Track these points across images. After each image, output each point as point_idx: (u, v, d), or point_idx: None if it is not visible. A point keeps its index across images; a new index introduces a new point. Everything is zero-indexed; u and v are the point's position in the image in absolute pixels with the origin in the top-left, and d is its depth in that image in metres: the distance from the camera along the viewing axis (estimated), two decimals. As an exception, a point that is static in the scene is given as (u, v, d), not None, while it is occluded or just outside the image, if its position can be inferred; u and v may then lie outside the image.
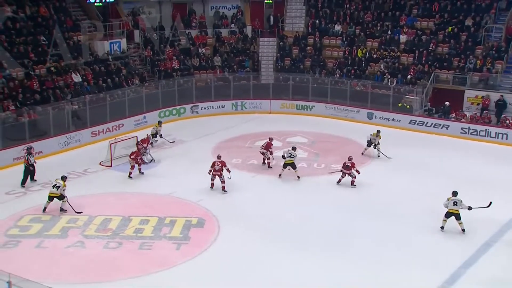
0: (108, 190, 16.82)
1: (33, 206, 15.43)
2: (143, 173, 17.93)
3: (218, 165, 16.57)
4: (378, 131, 19.93)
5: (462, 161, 19.53)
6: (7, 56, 21.41)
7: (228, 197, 16.33)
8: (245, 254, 13.00)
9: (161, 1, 29.53)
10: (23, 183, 16.90)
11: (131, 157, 17.72)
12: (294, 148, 17.86)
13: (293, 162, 17.51)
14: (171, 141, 21.10)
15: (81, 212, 14.96)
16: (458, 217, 13.82)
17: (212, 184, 16.68)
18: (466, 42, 25.66)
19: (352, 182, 17.13)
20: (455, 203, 13.71)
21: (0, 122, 18.87)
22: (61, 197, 14.89)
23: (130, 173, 17.66)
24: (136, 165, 17.76)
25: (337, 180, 17.33)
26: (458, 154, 20.34)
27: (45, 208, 15.04)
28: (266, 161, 18.85)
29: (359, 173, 17.08)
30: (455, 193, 13.91)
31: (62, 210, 14.98)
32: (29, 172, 16.99)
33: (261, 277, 12.08)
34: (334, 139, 22.00)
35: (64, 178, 15.14)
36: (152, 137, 20.45)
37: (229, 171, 16.69)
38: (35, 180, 17.11)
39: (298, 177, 17.66)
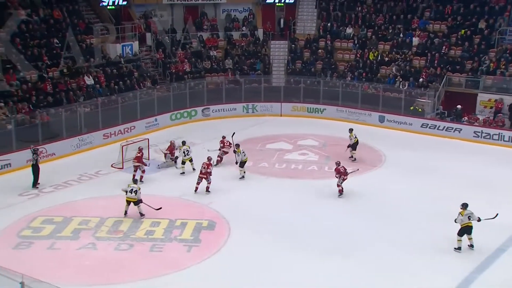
0: (119, 192, 16.84)
1: (46, 208, 15.58)
2: (142, 176, 17.67)
3: (204, 167, 16.52)
4: (350, 129, 19.79)
5: (474, 165, 19.35)
6: (21, 58, 21.66)
7: (239, 200, 16.33)
8: (256, 257, 12.99)
9: (173, 4, 29.68)
10: (34, 184, 17.08)
11: (136, 161, 17.55)
12: (237, 146, 18.09)
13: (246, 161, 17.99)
14: (181, 171, 18.63)
15: (161, 208, 14.96)
16: (470, 231, 13.10)
17: (196, 188, 16.59)
18: (479, 45, 25.46)
19: (340, 192, 16.58)
20: (469, 217, 13.00)
21: (14, 124, 19.05)
22: (138, 202, 14.74)
23: (141, 176, 17.53)
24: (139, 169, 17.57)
25: (339, 192, 16.60)
26: (471, 158, 20.15)
27: (126, 212, 14.97)
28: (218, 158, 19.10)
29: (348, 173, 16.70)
30: (466, 205, 13.09)
31: (141, 214, 14.88)
32: (37, 171, 17.08)
33: (271, 280, 12.06)
34: (345, 142, 21.87)
35: (136, 182, 15.33)
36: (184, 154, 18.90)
37: (210, 174, 16.56)
38: (37, 187, 17.06)
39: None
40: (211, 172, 16.56)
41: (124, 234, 14.07)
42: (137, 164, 17.55)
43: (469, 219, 13.02)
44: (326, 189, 17.16)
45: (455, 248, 13.21)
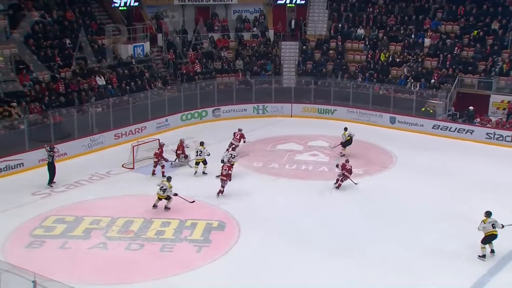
0: (130, 192, 17.01)
1: (58, 207, 15.71)
2: (163, 172, 18.02)
3: (225, 169, 16.52)
4: (345, 128, 20.43)
5: (486, 166, 19.19)
6: (34, 59, 21.86)
7: (249, 201, 16.34)
8: (266, 258, 12.98)
9: (184, 5, 29.77)
10: (50, 181, 17.26)
11: (154, 156, 18.18)
12: (234, 148, 18.61)
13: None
14: (194, 171, 18.69)
15: (194, 201, 15.47)
16: (494, 239, 12.89)
17: (222, 191, 16.45)
18: (492, 46, 25.23)
19: (342, 180, 17.04)
20: (493, 225, 12.82)
21: (27, 124, 19.25)
22: (168, 198, 15.31)
23: (163, 172, 17.92)
24: (158, 166, 18.08)
25: (337, 186, 17.09)
26: (483, 159, 19.98)
27: (155, 205, 15.50)
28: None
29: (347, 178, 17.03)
30: (489, 214, 12.89)
31: (166, 208, 15.46)
32: (53, 169, 17.25)
33: (281, 280, 12.05)
34: (355, 143, 21.81)
35: (169, 179, 15.50)
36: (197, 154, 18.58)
37: (230, 179, 16.48)
38: (52, 186, 17.28)
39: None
40: (230, 174, 16.46)
41: (135, 234, 14.15)
42: (155, 159, 17.99)
43: (493, 227, 12.82)
44: (337, 191, 17.13)
45: (479, 256, 12.96)
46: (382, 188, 17.14)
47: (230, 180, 16.53)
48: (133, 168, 18.87)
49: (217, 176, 17.02)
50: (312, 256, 13.03)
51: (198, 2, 29.86)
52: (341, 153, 20.27)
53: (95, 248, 13.46)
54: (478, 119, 22.92)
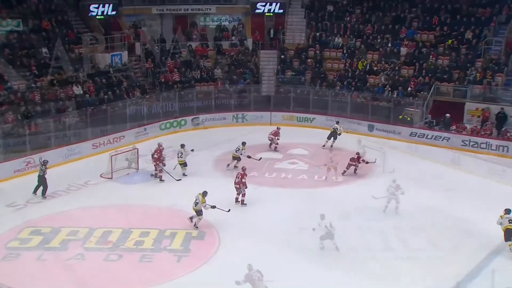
0: (108, 202, 16.82)
1: (34, 218, 15.41)
2: (163, 180, 18.45)
3: (238, 177, 16.49)
4: (337, 122, 22.59)
5: (463, 173, 19.49)
6: (9, 69, 21.53)
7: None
8: (246, 266, 12.91)
9: (163, 14, 29.75)
10: (39, 191, 17.04)
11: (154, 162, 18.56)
12: (243, 143, 19.66)
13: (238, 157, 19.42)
14: (177, 179, 18.76)
15: (229, 210, 15.19)
16: None
17: (236, 198, 16.54)
18: (466, 55, 25.77)
19: (355, 170, 19.10)
20: (510, 221, 13.30)
21: (1, 134, 18.89)
22: (199, 213, 14.74)
23: (160, 176, 18.50)
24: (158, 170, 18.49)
25: (342, 172, 18.99)
26: (459, 166, 20.28)
27: (191, 217, 15.03)
28: (273, 146, 21.95)
29: (367, 163, 19.05)
30: (508, 211, 13.52)
31: (195, 226, 14.81)
32: (44, 182, 16.96)
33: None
34: (335, 151, 21.99)
35: (205, 194, 14.83)
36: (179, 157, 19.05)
37: (245, 186, 16.44)
38: (45, 197, 17.03)
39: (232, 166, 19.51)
40: (245, 182, 16.39)
41: (114, 245, 13.96)
42: (154, 163, 18.44)
43: (509, 222, 13.31)
44: (316, 198, 17.18)
45: None
46: (360, 195, 17.22)
47: (246, 187, 16.43)
48: (112, 178, 18.67)
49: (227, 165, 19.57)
50: (293, 263, 13.05)
51: (177, 11, 29.87)
52: (324, 146, 22.13)
53: (73, 260, 13.24)
54: (454, 127, 23.31)
